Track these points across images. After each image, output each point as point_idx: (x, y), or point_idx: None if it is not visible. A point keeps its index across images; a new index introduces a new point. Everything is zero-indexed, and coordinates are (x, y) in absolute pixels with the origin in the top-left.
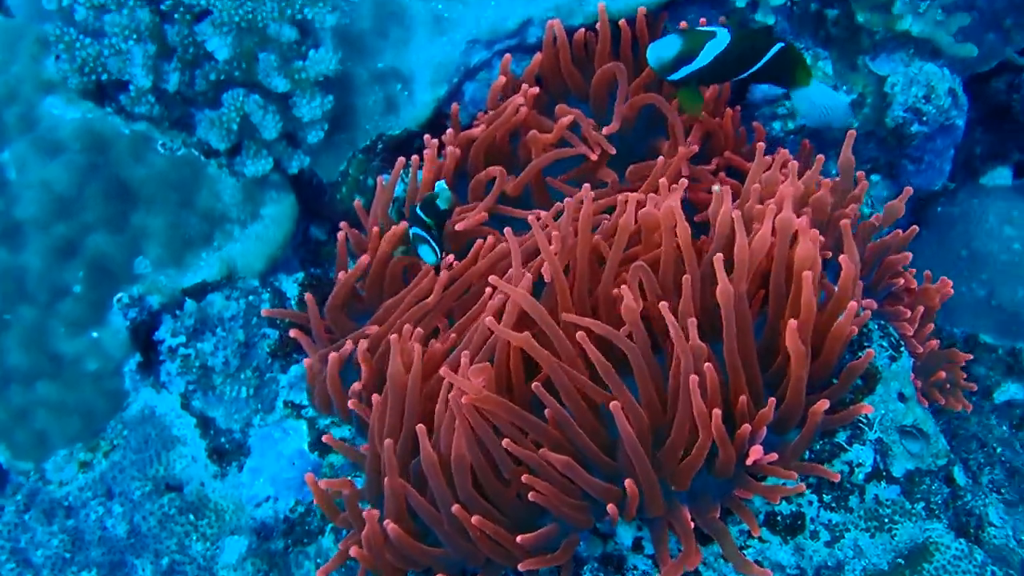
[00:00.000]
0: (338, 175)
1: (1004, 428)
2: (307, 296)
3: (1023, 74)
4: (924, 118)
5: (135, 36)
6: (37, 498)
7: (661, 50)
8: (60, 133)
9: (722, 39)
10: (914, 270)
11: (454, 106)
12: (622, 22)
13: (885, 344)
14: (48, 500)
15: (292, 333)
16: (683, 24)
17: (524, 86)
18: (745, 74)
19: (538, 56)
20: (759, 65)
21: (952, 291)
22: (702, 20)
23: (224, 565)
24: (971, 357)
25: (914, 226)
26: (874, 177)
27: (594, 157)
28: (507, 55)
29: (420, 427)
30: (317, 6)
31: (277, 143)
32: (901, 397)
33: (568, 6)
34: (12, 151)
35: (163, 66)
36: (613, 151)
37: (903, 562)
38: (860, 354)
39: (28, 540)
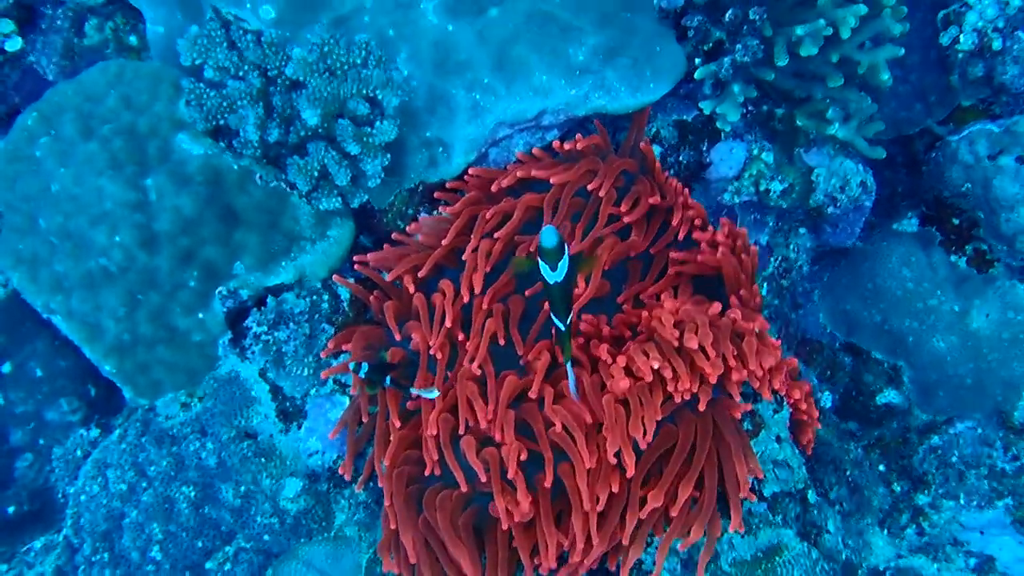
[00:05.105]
0: (386, 204)
1: (859, 451)
2: (373, 298)
3: (934, 149)
4: (838, 203)
5: (248, 99)
6: (151, 427)
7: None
8: (188, 168)
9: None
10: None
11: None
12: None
13: (772, 401)
14: (158, 429)
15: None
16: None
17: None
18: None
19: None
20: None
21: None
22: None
23: (284, 498)
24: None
25: None
26: (802, 230)
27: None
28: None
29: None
30: (386, 89)
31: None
32: (778, 439)
33: (575, 101)
34: (154, 178)
35: (267, 122)
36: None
37: (762, 555)
38: (756, 407)
39: (144, 458)
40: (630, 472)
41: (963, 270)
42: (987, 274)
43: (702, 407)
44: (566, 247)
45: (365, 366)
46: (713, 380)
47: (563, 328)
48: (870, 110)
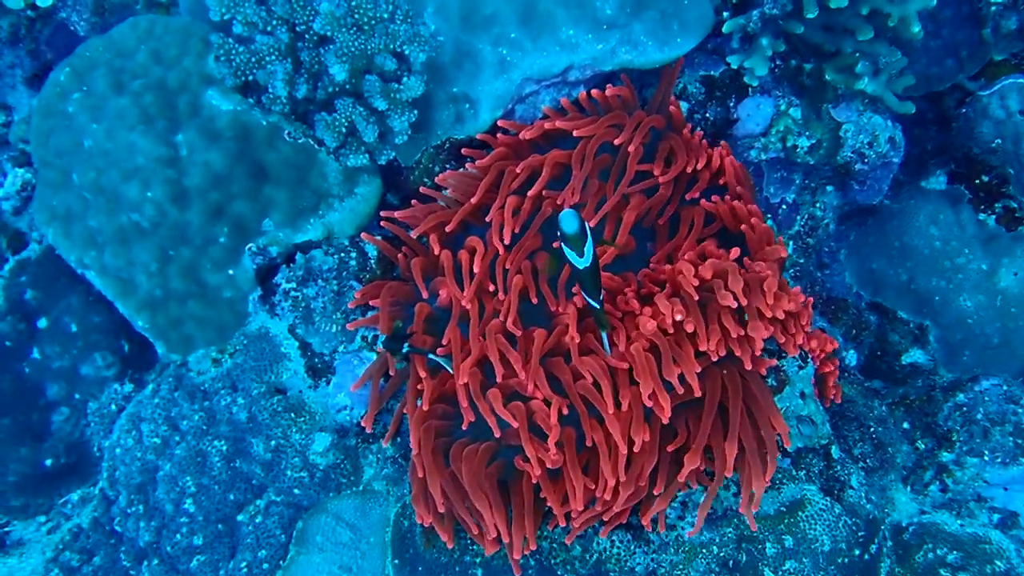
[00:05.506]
0: (413, 162)
1: (883, 408)
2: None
3: (964, 105)
4: (866, 160)
5: (277, 54)
6: (183, 382)
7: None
8: (218, 123)
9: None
10: (836, 344)
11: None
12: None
13: (796, 357)
14: (190, 384)
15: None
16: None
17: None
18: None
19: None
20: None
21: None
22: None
23: (314, 452)
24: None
25: None
26: (829, 188)
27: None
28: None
29: None
30: (414, 44)
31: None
32: (802, 395)
33: (602, 56)
34: (184, 134)
35: (295, 78)
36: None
37: (785, 510)
38: (781, 363)
39: (177, 412)
40: (665, 416)
41: (991, 228)
42: (1016, 232)
43: (748, 365)
44: (587, 228)
45: (382, 337)
46: (758, 346)
47: (597, 306)
48: (900, 64)
